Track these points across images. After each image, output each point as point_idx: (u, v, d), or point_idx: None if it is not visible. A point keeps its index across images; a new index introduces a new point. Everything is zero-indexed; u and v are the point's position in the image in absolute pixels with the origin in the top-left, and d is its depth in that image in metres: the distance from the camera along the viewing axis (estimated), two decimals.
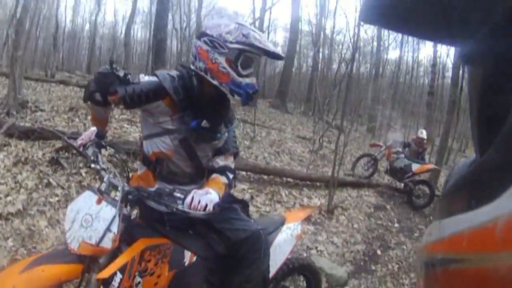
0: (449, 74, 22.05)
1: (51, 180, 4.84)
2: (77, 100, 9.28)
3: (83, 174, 5.16)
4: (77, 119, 7.56)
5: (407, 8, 0.68)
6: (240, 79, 1.98)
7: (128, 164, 5.25)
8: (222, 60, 1.95)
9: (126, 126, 7.49)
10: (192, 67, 2.08)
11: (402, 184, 9.10)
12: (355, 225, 6.49)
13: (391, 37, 25.93)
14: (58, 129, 6.34)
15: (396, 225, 7.25)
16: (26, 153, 5.39)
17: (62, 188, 4.77)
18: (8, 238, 3.70)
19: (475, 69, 0.70)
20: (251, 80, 2.04)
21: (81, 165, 5.27)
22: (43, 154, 5.45)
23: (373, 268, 5.29)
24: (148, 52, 24.71)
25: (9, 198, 4.30)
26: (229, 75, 1.97)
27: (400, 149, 9.09)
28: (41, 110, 8.07)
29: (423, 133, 9.62)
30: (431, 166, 9.57)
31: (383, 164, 10.18)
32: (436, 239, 0.70)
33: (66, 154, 5.43)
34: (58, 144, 5.59)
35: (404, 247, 6.33)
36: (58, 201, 4.49)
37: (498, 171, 0.53)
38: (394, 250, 6.06)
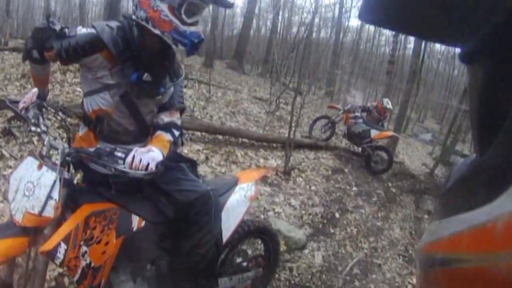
0: (411, 46, 22.47)
1: (3, 151, 4.64)
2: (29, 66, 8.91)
3: (35, 142, 4.95)
4: (29, 86, 7.19)
5: (407, 8, 0.67)
6: (185, 28, 1.87)
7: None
8: (164, 7, 1.83)
9: (79, 89, 7.14)
10: (133, 16, 1.95)
11: (360, 149, 9.21)
12: (313, 187, 6.51)
13: (354, 4, 25.96)
14: (10, 97, 6.08)
15: (354, 188, 7.35)
16: None
17: (15, 159, 4.59)
18: None
19: (475, 69, 0.69)
20: (197, 28, 1.92)
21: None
22: None
23: (332, 231, 5.36)
24: (104, 13, 23.97)
25: None
26: (172, 23, 1.85)
27: (359, 114, 9.12)
28: None
29: (389, 104, 9.52)
30: (390, 133, 9.66)
31: (341, 127, 10.21)
32: (436, 239, 0.70)
33: (18, 123, 5.19)
34: (11, 113, 5.33)
35: (363, 211, 6.46)
36: (12, 173, 4.32)
37: (498, 171, 0.52)
38: (353, 214, 6.17)
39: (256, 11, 24.83)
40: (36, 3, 37.91)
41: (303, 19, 19.72)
